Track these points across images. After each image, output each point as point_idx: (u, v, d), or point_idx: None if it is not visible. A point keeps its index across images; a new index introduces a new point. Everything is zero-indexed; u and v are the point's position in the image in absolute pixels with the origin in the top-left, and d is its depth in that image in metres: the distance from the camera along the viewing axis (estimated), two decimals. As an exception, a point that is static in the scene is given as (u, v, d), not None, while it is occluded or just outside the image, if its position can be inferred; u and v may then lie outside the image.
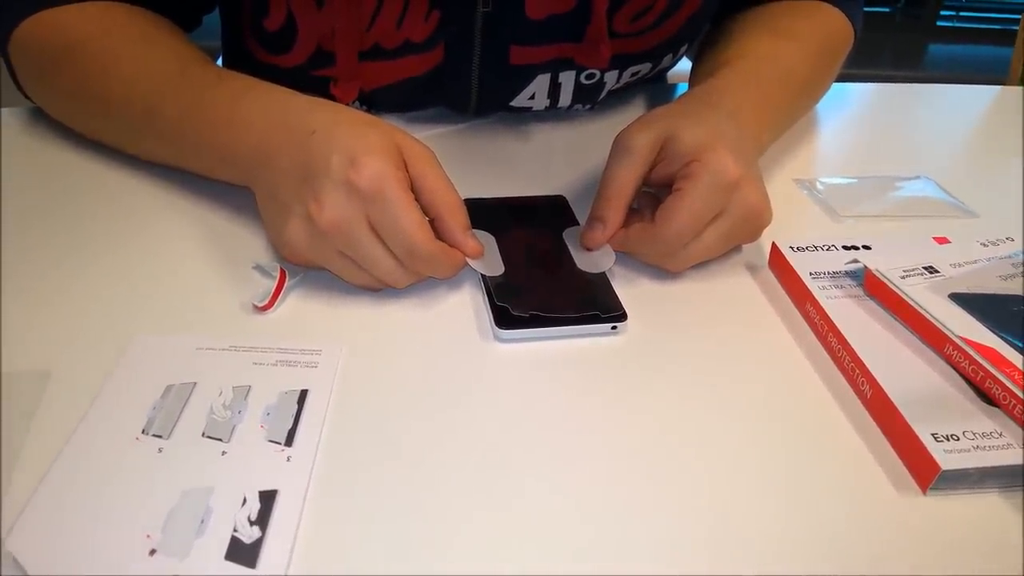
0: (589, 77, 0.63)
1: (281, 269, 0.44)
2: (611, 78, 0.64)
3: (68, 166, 0.56)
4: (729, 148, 0.45)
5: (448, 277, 0.45)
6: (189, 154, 0.51)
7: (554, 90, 0.64)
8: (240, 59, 0.65)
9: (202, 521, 0.31)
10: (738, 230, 0.47)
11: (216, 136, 0.48)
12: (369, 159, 0.40)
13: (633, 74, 0.65)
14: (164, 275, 0.46)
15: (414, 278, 0.44)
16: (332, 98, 0.58)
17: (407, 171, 0.42)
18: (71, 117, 0.58)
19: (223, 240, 0.49)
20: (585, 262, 0.48)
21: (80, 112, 0.56)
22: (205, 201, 0.52)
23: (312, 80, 0.59)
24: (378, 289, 0.45)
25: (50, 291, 0.44)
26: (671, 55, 0.66)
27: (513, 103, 0.64)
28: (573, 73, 0.62)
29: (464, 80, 0.62)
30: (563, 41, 0.59)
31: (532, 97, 0.64)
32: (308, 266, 0.45)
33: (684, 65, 0.74)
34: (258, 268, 0.46)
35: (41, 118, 0.61)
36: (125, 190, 0.53)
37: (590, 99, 0.66)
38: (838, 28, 0.67)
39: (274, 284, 0.43)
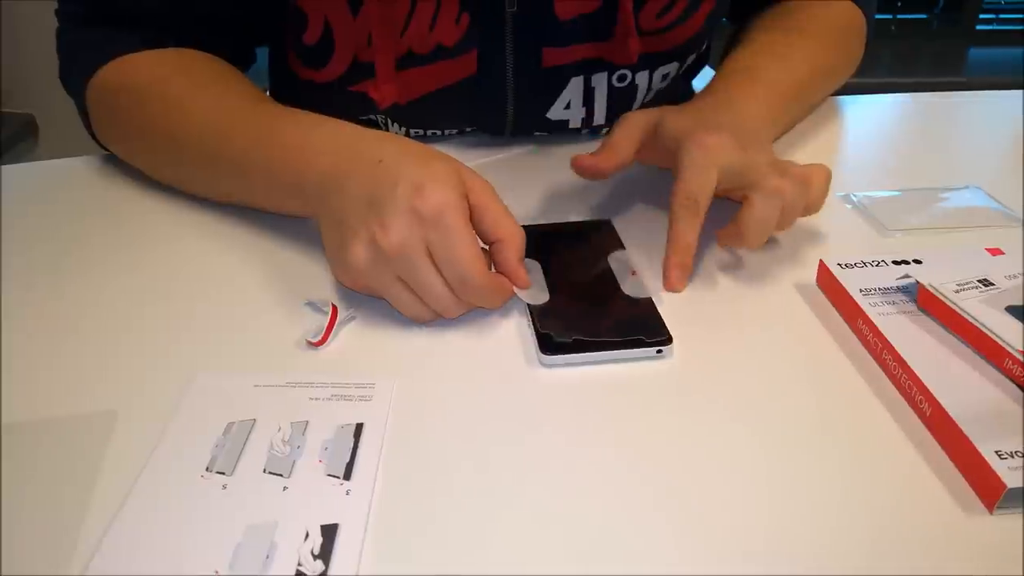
0: (621, 79, 0.65)
1: (333, 305, 0.45)
2: (642, 80, 0.66)
3: (130, 211, 0.58)
4: (710, 130, 0.49)
5: (496, 307, 0.46)
6: (257, 184, 0.52)
7: (588, 97, 0.65)
8: (284, 79, 0.67)
9: (267, 556, 0.32)
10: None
11: (286, 163, 0.49)
12: (434, 187, 0.42)
13: (663, 77, 0.67)
14: (221, 314, 0.47)
15: (464, 308, 0.45)
16: (371, 103, 0.61)
17: (469, 201, 0.44)
18: (141, 157, 0.60)
19: (276, 278, 0.50)
20: (631, 287, 0.48)
21: (151, 150, 0.59)
22: (258, 241, 0.54)
23: (351, 96, 0.61)
24: (428, 320, 0.45)
25: (114, 332, 0.45)
26: (694, 53, 0.68)
27: (549, 114, 0.66)
28: (605, 76, 0.64)
29: (499, 89, 0.63)
30: (593, 40, 0.62)
31: (568, 107, 0.66)
32: (364, 292, 0.46)
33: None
34: (310, 305, 0.47)
35: (106, 165, 0.63)
36: (182, 233, 0.55)
37: (624, 108, 0.67)
38: (842, 12, 0.70)
39: (326, 320, 0.45)
